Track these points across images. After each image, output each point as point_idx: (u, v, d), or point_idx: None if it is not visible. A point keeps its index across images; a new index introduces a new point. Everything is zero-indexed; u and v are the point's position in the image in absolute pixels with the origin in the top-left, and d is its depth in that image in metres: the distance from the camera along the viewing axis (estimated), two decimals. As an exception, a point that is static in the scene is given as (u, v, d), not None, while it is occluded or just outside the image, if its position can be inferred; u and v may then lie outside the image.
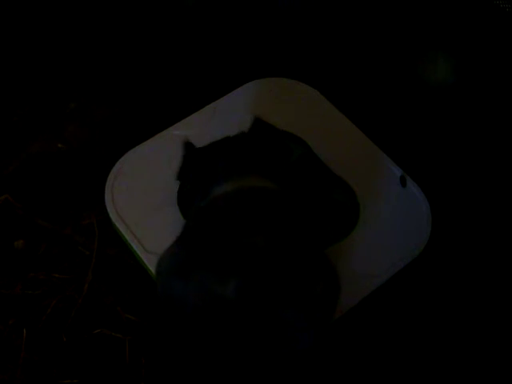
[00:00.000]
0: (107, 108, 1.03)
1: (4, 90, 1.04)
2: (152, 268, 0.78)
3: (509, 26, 1.03)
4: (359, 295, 0.78)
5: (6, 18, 1.13)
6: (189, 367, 0.68)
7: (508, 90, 1.04)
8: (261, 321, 0.62)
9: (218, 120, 0.92)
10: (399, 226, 0.84)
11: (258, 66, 1.06)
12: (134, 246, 0.81)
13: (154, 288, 0.79)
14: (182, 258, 0.65)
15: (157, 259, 0.75)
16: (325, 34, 1.13)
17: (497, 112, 1.04)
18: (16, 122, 1.00)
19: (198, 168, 0.77)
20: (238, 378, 0.65)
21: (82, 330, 0.80)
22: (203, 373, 0.66)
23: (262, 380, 0.65)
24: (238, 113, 0.93)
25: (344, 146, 0.91)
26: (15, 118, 1.01)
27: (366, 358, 0.79)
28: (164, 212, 0.83)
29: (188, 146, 0.80)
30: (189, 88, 1.05)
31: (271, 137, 0.81)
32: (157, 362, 0.79)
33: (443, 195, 0.92)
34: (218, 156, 0.76)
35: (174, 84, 1.06)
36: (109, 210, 0.84)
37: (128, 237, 0.81)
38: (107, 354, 0.79)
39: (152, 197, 0.85)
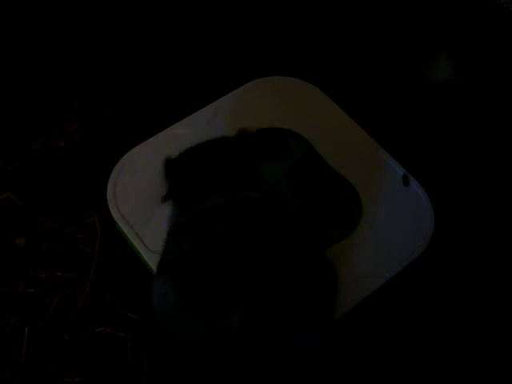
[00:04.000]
0: (109, 107, 1.03)
1: (7, 88, 1.04)
2: (154, 266, 0.78)
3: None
4: (361, 295, 0.77)
5: (10, 17, 1.13)
6: (190, 366, 0.67)
7: (511, 89, 1.03)
8: (267, 344, 0.62)
9: (220, 119, 0.92)
10: (402, 225, 0.84)
11: (259, 65, 1.06)
12: (136, 244, 0.81)
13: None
14: (178, 299, 0.63)
15: (158, 258, 0.75)
16: (327, 32, 1.12)
17: (499, 111, 1.03)
18: (19, 120, 1.00)
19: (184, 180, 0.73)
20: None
21: (83, 328, 0.80)
22: (204, 372, 0.66)
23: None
24: (239, 112, 0.93)
25: (346, 144, 0.91)
26: (18, 117, 1.01)
27: (368, 357, 0.79)
28: (166, 210, 0.83)
29: (168, 162, 0.75)
30: (190, 87, 1.05)
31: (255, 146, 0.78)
32: (158, 360, 0.79)
33: (446, 194, 0.92)
34: (200, 168, 0.72)
35: (176, 83, 1.06)
36: (111, 208, 0.84)
37: (130, 235, 0.81)
38: (109, 352, 0.79)
39: (154, 195, 0.84)
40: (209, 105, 0.94)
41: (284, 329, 0.62)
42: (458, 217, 0.91)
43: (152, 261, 0.79)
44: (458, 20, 1.06)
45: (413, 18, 1.09)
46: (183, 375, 0.68)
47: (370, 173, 0.88)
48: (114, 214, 0.83)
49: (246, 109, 0.93)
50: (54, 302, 0.82)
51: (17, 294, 0.82)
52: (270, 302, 0.61)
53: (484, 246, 0.89)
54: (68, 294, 0.83)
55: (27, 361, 0.77)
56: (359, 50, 1.10)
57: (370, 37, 1.11)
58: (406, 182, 0.87)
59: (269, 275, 0.62)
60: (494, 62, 1.05)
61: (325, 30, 1.13)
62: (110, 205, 0.84)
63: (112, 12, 1.14)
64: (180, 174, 0.72)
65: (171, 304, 0.63)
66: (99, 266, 0.85)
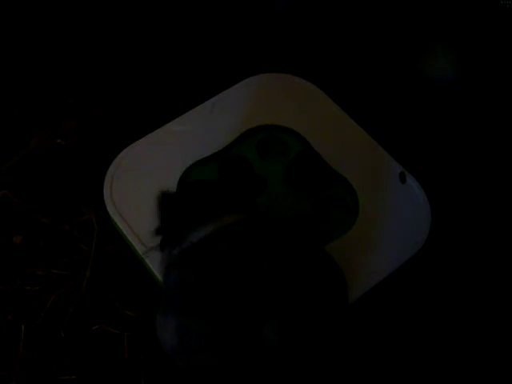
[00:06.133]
0: (106, 103, 1.02)
1: (3, 86, 1.04)
2: (151, 264, 0.78)
3: (510, 22, 1.02)
4: (358, 292, 0.77)
5: (7, 15, 1.12)
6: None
7: (509, 86, 1.03)
8: (302, 349, 0.62)
9: (217, 116, 0.92)
10: (398, 222, 0.84)
11: (256, 62, 1.06)
12: (133, 241, 0.81)
13: (152, 284, 0.79)
14: (203, 329, 0.62)
15: (155, 255, 0.75)
16: (324, 28, 1.12)
17: (498, 109, 1.03)
18: (15, 118, 1.00)
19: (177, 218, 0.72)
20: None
21: (80, 325, 0.80)
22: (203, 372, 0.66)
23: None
24: (236, 108, 0.92)
25: (343, 142, 0.90)
26: (14, 114, 1.01)
27: (365, 354, 0.79)
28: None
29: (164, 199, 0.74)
30: (188, 83, 1.05)
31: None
32: (155, 357, 0.79)
33: (443, 191, 0.92)
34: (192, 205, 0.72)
35: (173, 79, 1.06)
36: (107, 205, 0.84)
37: (126, 232, 0.81)
38: (106, 349, 0.79)
39: (150, 192, 0.84)
40: (205, 101, 0.94)
41: (314, 331, 0.62)
42: (455, 214, 0.91)
43: (149, 258, 0.79)
44: (456, 16, 1.06)
45: (411, 13, 1.09)
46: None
47: (366, 170, 0.88)
48: (111, 211, 0.83)
49: (242, 105, 0.93)
50: (51, 300, 0.82)
51: (13, 292, 0.82)
52: (295, 308, 0.62)
53: (481, 243, 0.89)
54: (65, 291, 0.82)
55: (24, 358, 0.77)
56: (357, 47, 1.10)
57: (368, 34, 1.11)
58: (402, 179, 0.87)
59: (284, 282, 0.62)
60: (492, 59, 1.05)
61: (322, 27, 1.12)
62: (107, 202, 0.84)
63: (108, 9, 1.14)
64: (175, 211, 0.72)
65: (195, 337, 0.62)
66: (96, 264, 0.85)
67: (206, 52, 1.09)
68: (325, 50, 1.10)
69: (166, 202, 0.73)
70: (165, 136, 0.90)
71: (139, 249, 0.80)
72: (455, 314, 0.84)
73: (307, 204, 0.86)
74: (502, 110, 1.03)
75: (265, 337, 0.60)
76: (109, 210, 0.83)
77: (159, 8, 1.15)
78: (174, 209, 0.72)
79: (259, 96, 0.94)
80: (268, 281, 0.62)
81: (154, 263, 0.78)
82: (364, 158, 0.89)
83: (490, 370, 0.80)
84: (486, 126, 1.02)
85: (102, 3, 1.14)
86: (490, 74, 1.05)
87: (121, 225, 0.82)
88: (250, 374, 0.62)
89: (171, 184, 0.85)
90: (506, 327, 0.83)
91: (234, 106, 0.93)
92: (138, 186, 0.86)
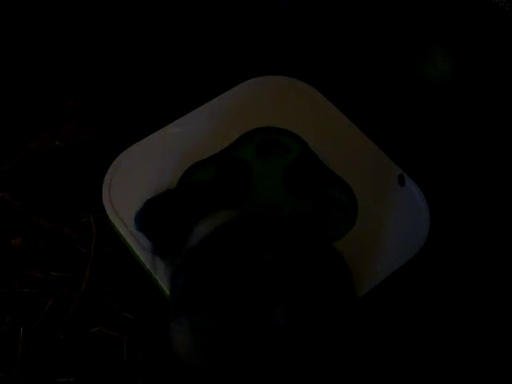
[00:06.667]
0: (105, 105, 1.02)
1: (1, 88, 1.04)
2: (149, 266, 0.78)
3: (507, 24, 1.02)
4: (357, 294, 0.77)
5: (6, 15, 1.12)
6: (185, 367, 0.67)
7: (507, 88, 1.03)
8: (313, 335, 0.62)
9: (217, 118, 0.92)
10: (397, 224, 0.84)
11: (256, 64, 1.06)
12: (132, 244, 0.81)
13: (151, 287, 0.79)
14: (216, 323, 0.62)
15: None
16: (323, 31, 1.12)
17: (496, 110, 1.03)
18: (14, 120, 1.00)
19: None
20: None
21: (79, 328, 0.80)
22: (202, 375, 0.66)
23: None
24: (236, 110, 0.92)
25: (342, 144, 0.90)
26: (13, 116, 1.01)
27: (365, 355, 0.79)
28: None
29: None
30: (187, 85, 1.05)
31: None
32: (154, 360, 0.79)
33: (442, 194, 0.92)
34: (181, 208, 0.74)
35: (173, 81, 1.06)
36: (106, 207, 0.84)
37: (125, 235, 0.81)
38: (104, 352, 0.79)
39: (149, 194, 0.84)
40: (204, 104, 0.94)
41: (323, 316, 0.63)
42: (453, 216, 0.91)
43: (147, 260, 0.78)
44: (453, 18, 1.06)
45: (408, 15, 1.09)
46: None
47: (365, 172, 0.88)
48: (110, 213, 0.83)
49: (241, 108, 0.93)
50: (50, 302, 0.82)
51: (12, 294, 0.82)
52: (304, 289, 0.62)
53: (480, 245, 0.89)
54: (63, 293, 0.82)
55: (22, 360, 0.77)
56: (355, 48, 1.10)
57: (366, 35, 1.11)
58: (401, 181, 0.87)
59: (292, 269, 0.63)
60: (490, 61, 1.05)
61: (321, 30, 1.12)
62: (106, 204, 0.84)
63: (107, 12, 1.14)
64: (156, 225, 0.74)
65: (209, 334, 0.62)
66: (95, 266, 0.85)
67: (205, 54, 1.10)
68: (324, 53, 1.10)
69: (149, 209, 0.75)
70: (164, 138, 0.90)
71: (138, 251, 0.80)
72: (454, 315, 0.83)
73: (306, 206, 0.86)
74: (501, 112, 1.03)
75: (276, 321, 0.60)
76: (107, 212, 0.83)
77: (158, 10, 1.15)
78: (167, 214, 0.73)
79: (258, 98, 0.94)
80: (276, 268, 0.62)
81: (152, 265, 0.78)
82: (362, 160, 0.89)
83: (490, 370, 0.80)
84: (484, 128, 1.02)
85: (101, 5, 1.15)
86: (488, 77, 1.05)
87: (119, 227, 0.82)
88: (262, 367, 0.62)
89: (170, 186, 0.85)
90: (506, 327, 0.83)
91: (233, 108, 0.93)
92: (136, 187, 0.85)
